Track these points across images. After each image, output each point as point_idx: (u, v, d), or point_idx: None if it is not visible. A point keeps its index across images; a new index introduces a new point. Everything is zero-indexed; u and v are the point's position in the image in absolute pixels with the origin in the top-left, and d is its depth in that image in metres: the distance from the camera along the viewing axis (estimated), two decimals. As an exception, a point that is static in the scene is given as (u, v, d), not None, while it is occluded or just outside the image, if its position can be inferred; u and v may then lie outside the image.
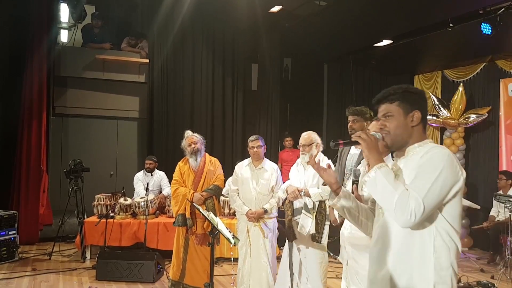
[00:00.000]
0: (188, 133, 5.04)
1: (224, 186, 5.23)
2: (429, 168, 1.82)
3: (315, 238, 4.26)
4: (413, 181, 1.85)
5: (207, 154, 5.04)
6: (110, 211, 6.61)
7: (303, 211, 4.29)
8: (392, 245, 1.92)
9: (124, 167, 8.73)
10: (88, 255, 6.55)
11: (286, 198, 4.41)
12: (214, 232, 3.65)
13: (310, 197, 4.26)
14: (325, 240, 4.27)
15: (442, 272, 1.82)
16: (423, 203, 1.75)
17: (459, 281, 5.57)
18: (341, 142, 2.07)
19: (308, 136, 4.41)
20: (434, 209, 1.81)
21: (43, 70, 7.52)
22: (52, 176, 8.05)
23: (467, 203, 7.09)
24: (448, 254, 1.83)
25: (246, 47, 9.05)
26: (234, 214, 6.56)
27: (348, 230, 3.18)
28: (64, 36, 8.12)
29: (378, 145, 1.96)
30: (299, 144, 4.42)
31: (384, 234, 1.96)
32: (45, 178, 7.65)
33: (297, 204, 4.35)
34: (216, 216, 3.89)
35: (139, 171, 7.58)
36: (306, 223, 4.25)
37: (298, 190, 4.27)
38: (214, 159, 5.05)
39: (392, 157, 2.19)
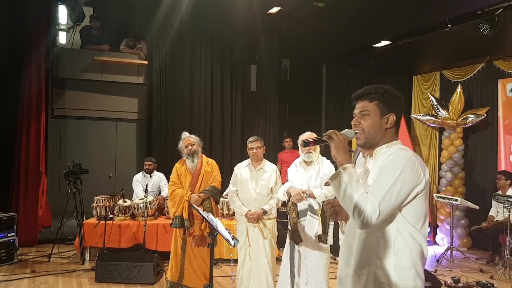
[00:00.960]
0: (185, 134, 5.04)
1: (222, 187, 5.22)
2: (388, 170, 1.85)
3: (321, 239, 4.24)
4: (373, 183, 1.88)
5: (204, 155, 5.04)
6: (109, 213, 6.60)
7: (308, 213, 4.27)
8: (356, 244, 1.96)
9: (123, 169, 8.72)
10: (87, 256, 6.54)
11: (289, 200, 4.38)
12: (213, 233, 3.64)
13: (314, 198, 4.25)
14: (330, 240, 4.25)
15: (403, 272, 1.85)
16: (378, 208, 1.78)
17: (458, 281, 5.57)
18: (311, 141, 2.12)
19: (312, 134, 4.41)
20: (393, 211, 1.84)
21: (42, 71, 7.52)
22: (51, 178, 8.04)
23: (466, 203, 7.11)
24: (410, 255, 1.86)
25: (244, 48, 9.06)
26: (233, 215, 6.55)
27: None
28: (62, 37, 8.13)
29: (346, 146, 1.98)
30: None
31: (351, 232, 2.01)
32: (44, 180, 7.65)
33: (301, 206, 4.32)
34: (215, 218, 3.89)
35: (138, 172, 7.58)
36: (313, 225, 4.24)
37: (302, 192, 4.25)
38: (211, 161, 5.05)
39: None
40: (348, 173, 1.87)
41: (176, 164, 5.03)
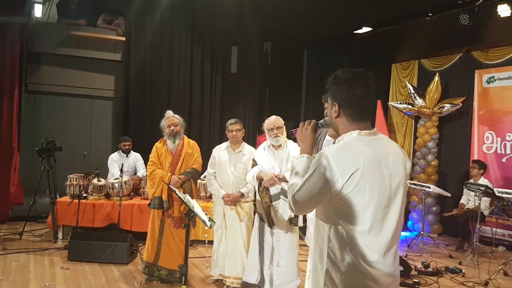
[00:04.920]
0: (169, 113, 4.95)
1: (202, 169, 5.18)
2: (310, 168, 1.91)
3: (293, 221, 4.30)
4: None
5: (185, 136, 4.98)
6: (83, 192, 6.51)
7: (281, 196, 4.30)
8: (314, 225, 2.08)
9: (98, 148, 8.60)
10: (60, 235, 6.46)
11: (260, 185, 4.39)
12: (190, 215, 3.63)
13: (287, 182, 4.27)
14: (301, 222, 4.32)
15: (335, 261, 1.86)
16: (294, 199, 1.91)
17: (428, 266, 5.71)
18: (295, 131, 2.25)
19: (278, 118, 4.44)
20: (312, 205, 1.94)
21: (16, 45, 7.32)
22: (23, 154, 7.87)
23: (438, 190, 7.26)
24: (344, 246, 1.84)
25: (225, 29, 8.91)
26: (210, 197, 6.55)
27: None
28: (38, 10, 7.84)
29: (308, 136, 2.09)
30: (270, 127, 4.40)
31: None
32: (17, 157, 7.49)
33: (273, 190, 4.35)
34: (192, 199, 3.88)
35: (113, 151, 7.48)
36: (286, 209, 4.27)
37: (275, 176, 4.26)
38: (192, 142, 4.99)
39: None
40: (297, 162, 2.04)
41: (156, 144, 4.95)
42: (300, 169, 2.00)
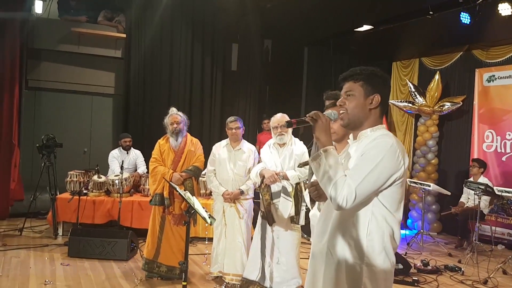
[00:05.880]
0: (173, 110, 4.93)
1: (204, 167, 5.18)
2: (370, 156, 1.87)
3: (294, 220, 4.29)
4: (353, 167, 1.90)
5: (188, 134, 4.97)
6: (83, 188, 6.52)
7: (282, 194, 4.30)
8: (332, 222, 2.00)
9: (98, 144, 8.60)
10: (60, 231, 6.47)
11: (262, 182, 4.39)
12: (190, 212, 3.64)
13: (288, 180, 4.27)
14: (302, 221, 4.31)
15: (373, 254, 1.90)
16: (355, 192, 1.81)
17: (427, 264, 5.72)
18: (294, 121, 2.06)
19: (284, 116, 4.41)
20: (369, 196, 1.87)
21: (16, 41, 7.30)
22: (24, 150, 7.88)
23: (438, 188, 7.27)
24: (382, 238, 1.91)
25: (226, 27, 8.90)
26: (210, 194, 6.55)
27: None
28: (38, 7, 7.84)
29: (329, 127, 1.98)
30: (274, 125, 4.40)
31: (328, 210, 2.04)
32: (17, 153, 7.49)
33: (274, 187, 4.34)
34: (192, 196, 3.88)
35: (113, 148, 7.47)
36: (286, 206, 4.27)
37: (276, 174, 4.26)
38: (195, 140, 4.99)
39: None
40: (329, 155, 1.88)
41: (160, 140, 4.95)
42: (335, 162, 1.88)
